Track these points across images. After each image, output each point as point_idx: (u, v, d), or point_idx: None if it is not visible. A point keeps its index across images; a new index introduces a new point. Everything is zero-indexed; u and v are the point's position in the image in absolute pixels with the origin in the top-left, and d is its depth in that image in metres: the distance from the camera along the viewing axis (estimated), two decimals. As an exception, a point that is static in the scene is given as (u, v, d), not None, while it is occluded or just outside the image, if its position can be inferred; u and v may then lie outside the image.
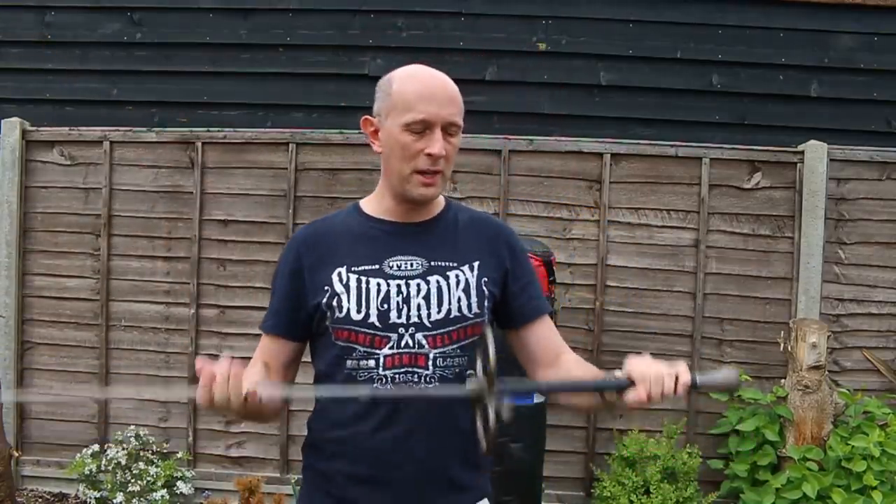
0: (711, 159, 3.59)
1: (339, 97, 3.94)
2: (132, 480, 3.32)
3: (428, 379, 1.33)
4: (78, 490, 3.56)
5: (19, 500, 3.57)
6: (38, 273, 3.83)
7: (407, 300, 1.33)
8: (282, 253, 1.45)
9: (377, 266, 1.35)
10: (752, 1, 3.87)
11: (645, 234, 3.62)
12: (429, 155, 1.30)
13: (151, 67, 4.02)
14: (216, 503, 3.46)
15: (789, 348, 3.33)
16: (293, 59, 3.97)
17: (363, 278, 1.35)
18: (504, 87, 3.86)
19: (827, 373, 3.31)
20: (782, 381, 3.36)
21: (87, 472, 3.39)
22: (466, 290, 1.36)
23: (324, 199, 3.71)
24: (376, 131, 1.37)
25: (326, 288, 1.35)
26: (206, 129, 3.80)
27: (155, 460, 3.46)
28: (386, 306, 1.33)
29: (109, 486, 3.34)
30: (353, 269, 1.36)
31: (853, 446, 3.10)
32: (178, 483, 3.43)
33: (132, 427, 3.58)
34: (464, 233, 1.42)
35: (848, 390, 3.32)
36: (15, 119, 3.80)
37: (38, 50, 4.06)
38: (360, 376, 1.33)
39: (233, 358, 1.20)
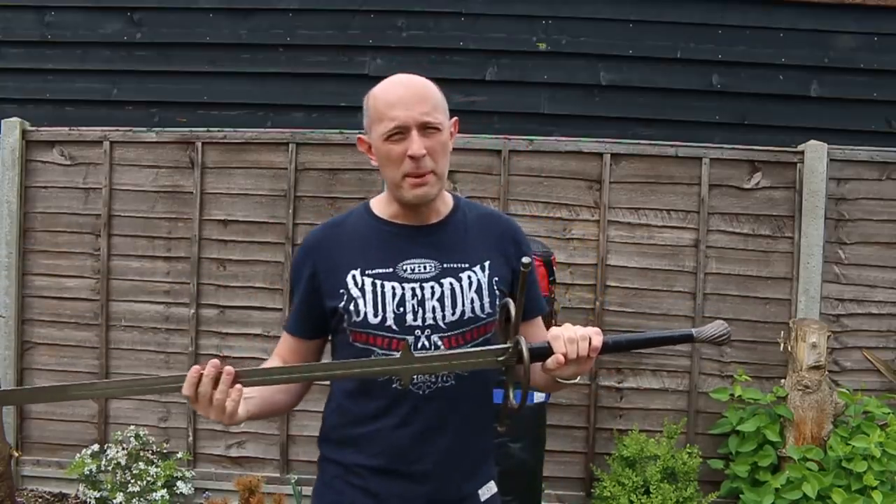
0: (711, 159, 3.59)
1: (339, 97, 3.94)
2: (132, 480, 3.32)
3: (445, 378, 1.36)
4: (78, 490, 3.56)
5: (19, 500, 3.57)
6: (38, 273, 3.83)
7: (422, 303, 1.36)
8: (295, 255, 1.47)
9: (391, 269, 1.38)
10: (752, 1, 3.87)
11: (645, 234, 3.61)
12: (411, 157, 1.32)
13: (151, 67, 4.03)
14: (216, 503, 3.46)
15: (789, 348, 3.33)
16: (293, 59, 3.97)
17: (378, 282, 1.37)
18: (504, 87, 3.86)
19: (827, 373, 3.31)
20: (782, 381, 3.37)
21: (87, 473, 3.38)
22: (479, 291, 1.39)
23: (324, 199, 3.70)
24: (370, 147, 1.41)
25: (342, 292, 1.38)
26: (205, 129, 3.79)
27: (155, 460, 3.46)
28: (402, 310, 1.36)
29: (109, 486, 3.34)
30: (367, 272, 1.38)
31: (853, 446, 3.10)
32: (178, 483, 3.42)
33: (132, 427, 3.57)
34: (473, 232, 1.44)
35: (848, 390, 3.31)
36: (15, 119, 3.80)
37: (38, 50, 4.06)
38: (380, 377, 1.34)
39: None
